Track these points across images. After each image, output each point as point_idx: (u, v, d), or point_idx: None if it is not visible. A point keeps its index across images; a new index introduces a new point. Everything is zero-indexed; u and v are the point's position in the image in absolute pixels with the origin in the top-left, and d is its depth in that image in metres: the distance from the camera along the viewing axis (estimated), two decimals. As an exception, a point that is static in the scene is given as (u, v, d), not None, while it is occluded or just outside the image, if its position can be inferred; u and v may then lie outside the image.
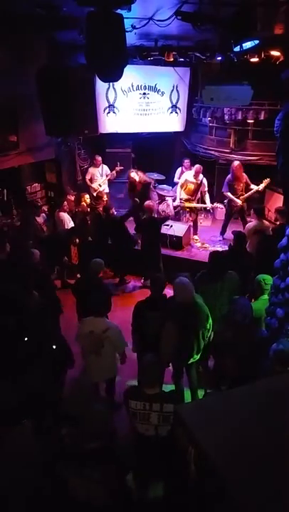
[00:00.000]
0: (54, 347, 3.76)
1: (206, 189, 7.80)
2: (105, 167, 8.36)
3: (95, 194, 8.10)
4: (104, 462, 2.29)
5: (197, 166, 7.67)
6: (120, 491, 2.35)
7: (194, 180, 7.62)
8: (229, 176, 7.30)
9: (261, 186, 7.10)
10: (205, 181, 7.75)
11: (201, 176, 7.63)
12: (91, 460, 2.28)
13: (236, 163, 7.23)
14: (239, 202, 7.24)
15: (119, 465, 2.41)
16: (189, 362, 4.17)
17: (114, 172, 8.30)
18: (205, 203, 7.85)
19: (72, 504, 2.25)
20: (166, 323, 3.88)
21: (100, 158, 8.27)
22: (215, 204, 7.78)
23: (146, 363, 3.10)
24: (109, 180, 8.39)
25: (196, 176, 7.61)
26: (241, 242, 5.36)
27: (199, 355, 4.13)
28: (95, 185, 8.21)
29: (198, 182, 7.61)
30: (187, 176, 7.75)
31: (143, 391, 2.99)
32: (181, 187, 7.77)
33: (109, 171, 8.34)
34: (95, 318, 4.11)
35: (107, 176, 8.31)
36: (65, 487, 2.26)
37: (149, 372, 3.03)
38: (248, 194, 7.20)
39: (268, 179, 7.01)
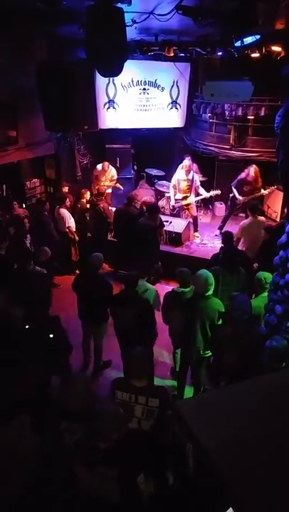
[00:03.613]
0: (51, 336, 3.79)
1: (199, 184, 7.80)
2: (113, 171, 8.36)
3: (95, 191, 8.10)
4: (118, 460, 2.30)
5: (186, 164, 7.61)
6: (133, 489, 2.36)
7: (186, 177, 7.61)
8: (244, 176, 7.26)
9: (265, 192, 7.17)
10: (196, 177, 7.75)
11: (191, 173, 7.62)
12: (105, 458, 2.28)
13: (254, 170, 7.20)
14: (241, 198, 7.27)
15: (132, 463, 2.42)
16: (198, 357, 4.19)
17: (113, 185, 8.32)
18: (201, 195, 7.84)
19: (84, 500, 2.26)
20: (173, 315, 4.08)
21: (107, 165, 8.28)
22: (211, 192, 7.78)
23: (134, 356, 3.09)
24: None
25: (186, 173, 7.59)
26: (229, 242, 5.36)
27: (208, 352, 4.15)
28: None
29: (190, 179, 7.61)
30: (178, 175, 7.72)
31: (131, 383, 2.98)
32: (174, 187, 7.75)
33: (115, 176, 8.36)
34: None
35: (111, 181, 8.31)
36: (74, 483, 2.27)
37: (137, 365, 3.02)
38: (251, 196, 7.22)
39: (275, 187, 7.08)
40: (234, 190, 7.34)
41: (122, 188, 8.44)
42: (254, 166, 7.29)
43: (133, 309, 4.11)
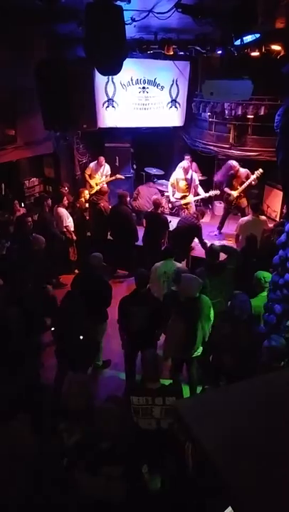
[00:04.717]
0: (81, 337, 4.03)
1: (198, 183, 7.81)
2: (107, 167, 8.30)
3: (93, 191, 8.07)
4: (121, 459, 2.30)
5: (185, 164, 7.59)
6: (139, 486, 2.36)
7: (184, 177, 7.60)
8: (231, 172, 7.35)
9: (253, 177, 7.10)
10: (195, 176, 7.75)
11: (190, 173, 7.62)
12: (108, 458, 2.28)
13: (232, 164, 7.30)
14: (234, 194, 7.26)
15: (135, 460, 2.42)
16: (192, 356, 4.18)
17: (113, 177, 8.23)
18: (199, 195, 7.84)
19: (84, 502, 2.26)
20: (172, 318, 4.00)
21: (103, 160, 8.22)
22: (210, 192, 7.78)
23: (147, 359, 3.13)
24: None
25: (185, 173, 7.57)
26: (252, 244, 5.37)
27: (201, 349, 4.15)
28: (92, 182, 8.15)
29: (189, 178, 7.60)
30: (177, 174, 7.71)
31: (145, 386, 3.01)
32: (173, 186, 7.73)
33: (109, 172, 8.29)
34: (167, 261, 4.88)
35: (106, 176, 8.26)
36: (74, 485, 2.26)
37: (150, 368, 3.05)
38: (242, 187, 7.21)
39: (260, 170, 7.01)
40: (226, 189, 7.37)
41: (123, 177, 8.37)
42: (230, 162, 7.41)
43: (145, 309, 4.09)
